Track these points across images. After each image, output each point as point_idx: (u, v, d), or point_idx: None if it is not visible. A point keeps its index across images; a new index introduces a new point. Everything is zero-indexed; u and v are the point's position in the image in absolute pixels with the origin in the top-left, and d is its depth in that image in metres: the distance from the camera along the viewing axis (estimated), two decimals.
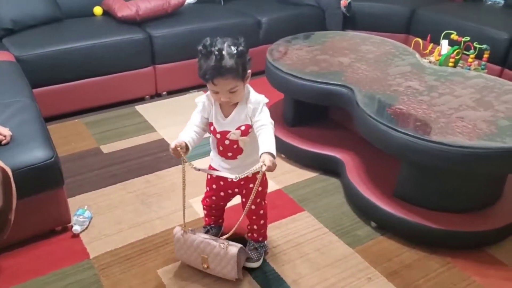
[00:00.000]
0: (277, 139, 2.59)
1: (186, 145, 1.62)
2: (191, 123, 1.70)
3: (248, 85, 1.66)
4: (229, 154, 1.71)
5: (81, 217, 2.09)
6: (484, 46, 2.86)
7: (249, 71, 1.59)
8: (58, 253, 1.97)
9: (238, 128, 1.65)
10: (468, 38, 2.86)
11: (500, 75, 3.16)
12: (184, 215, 1.78)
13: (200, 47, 1.52)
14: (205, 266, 1.79)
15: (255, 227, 1.89)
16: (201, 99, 1.71)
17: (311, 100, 2.36)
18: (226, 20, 3.44)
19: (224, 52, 1.49)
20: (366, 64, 2.44)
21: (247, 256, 1.86)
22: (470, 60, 2.85)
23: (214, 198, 1.88)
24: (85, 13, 3.40)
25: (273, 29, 3.57)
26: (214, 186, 1.84)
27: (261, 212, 1.86)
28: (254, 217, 1.86)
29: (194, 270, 1.87)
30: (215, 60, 1.49)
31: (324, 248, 2.01)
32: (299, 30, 3.12)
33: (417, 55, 2.56)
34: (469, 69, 2.83)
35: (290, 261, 1.94)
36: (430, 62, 2.84)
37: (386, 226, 2.07)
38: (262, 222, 1.88)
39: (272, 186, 2.39)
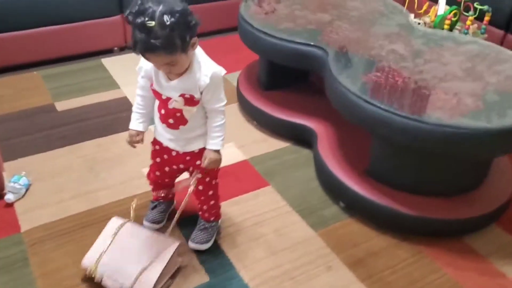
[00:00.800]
0: (249, 104, 2.36)
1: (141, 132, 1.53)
2: (138, 95, 1.53)
3: (200, 51, 1.41)
4: (170, 121, 1.48)
5: (16, 184, 1.88)
6: (485, 7, 2.54)
7: (194, 39, 1.32)
8: None
9: (182, 96, 1.41)
10: None
11: (502, 40, 2.85)
12: None
13: (127, 12, 1.24)
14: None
15: (204, 207, 1.68)
16: (140, 64, 1.46)
17: (282, 61, 2.09)
18: None
19: (153, 24, 1.21)
20: (348, 23, 2.15)
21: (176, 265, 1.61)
22: (468, 22, 2.54)
23: (158, 173, 1.67)
24: None
25: None
26: (158, 159, 1.62)
27: (210, 192, 1.64)
28: (202, 198, 1.66)
29: None
30: (143, 34, 1.22)
31: (284, 229, 1.80)
32: None
33: (409, 15, 2.27)
34: (467, 33, 2.52)
35: (244, 243, 1.74)
36: (424, 23, 2.54)
37: (355, 207, 1.86)
38: (212, 202, 1.67)
39: (238, 156, 2.17)
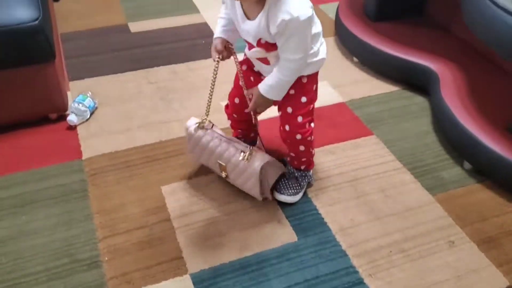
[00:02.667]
0: (351, 37, 1.95)
1: (226, 42, 1.22)
2: (220, 16, 1.25)
3: None
4: (255, 62, 1.24)
5: (81, 105, 1.63)
6: None
7: None
8: (46, 147, 1.55)
9: (259, 43, 1.13)
10: None
11: None
12: (209, 104, 1.31)
13: None
14: (224, 175, 1.33)
15: (292, 154, 1.35)
16: None
17: None
18: None
19: None
20: None
21: (281, 172, 1.34)
22: None
23: (237, 100, 1.35)
24: None
25: None
26: (241, 82, 1.28)
27: (298, 137, 1.28)
28: (288, 141, 1.31)
29: (207, 194, 1.39)
30: None
31: (392, 190, 1.43)
32: None
33: None
34: None
35: (342, 201, 1.39)
36: None
37: (488, 171, 1.45)
38: (302, 148, 1.32)
39: (333, 98, 1.80)
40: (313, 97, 1.29)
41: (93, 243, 1.26)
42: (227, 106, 1.42)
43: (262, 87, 1.19)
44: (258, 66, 1.27)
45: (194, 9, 2.35)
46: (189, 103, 1.75)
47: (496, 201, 1.41)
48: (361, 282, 1.19)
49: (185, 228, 1.30)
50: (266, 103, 1.22)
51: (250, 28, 1.12)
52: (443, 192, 1.43)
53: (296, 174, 1.38)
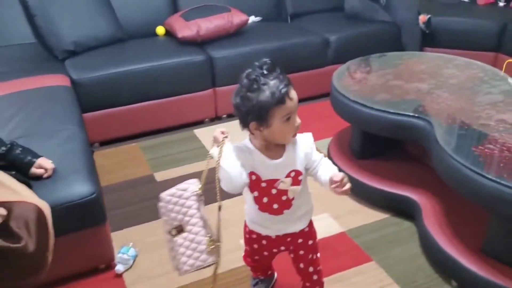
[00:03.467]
0: (342, 173, 2.33)
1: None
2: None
3: None
4: (275, 206, 1.42)
5: (125, 255, 1.94)
6: None
7: None
8: None
9: (288, 175, 1.37)
10: None
11: None
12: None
13: (245, 81, 1.27)
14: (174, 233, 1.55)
15: (307, 284, 1.62)
16: (232, 153, 1.33)
17: (381, 132, 2.07)
18: (291, 39, 3.23)
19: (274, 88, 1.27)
20: (448, 92, 2.11)
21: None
22: None
23: (257, 257, 1.63)
24: (148, 33, 3.33)
25: (343, 48, 3.31)
26: (255, 246, 1.56)
27: (318, 268, 1.60)
28: (315, 277, 1.60)
29: None
30: (276, 77, 1.28)
31: None
32: (371, 50, 2.84)
33: (511, 80, 2.19)
34: None
35: None
36: None
37: (470, 287, 1.73)
38: (322, 280, 1.62)
39: (334, 229, 2.12)
40: (315, 236, 1.56)
41: None
42: (245, 258, 1.68)
43: (337, 172, 1.38)
44: (269, 223, 1.45)
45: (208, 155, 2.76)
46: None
47: None
48: None
49: None
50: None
51: (280, 163, 1.35)
52: None
53: None
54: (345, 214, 2.21)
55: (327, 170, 1.39)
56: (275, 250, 1.56)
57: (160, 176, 2.59)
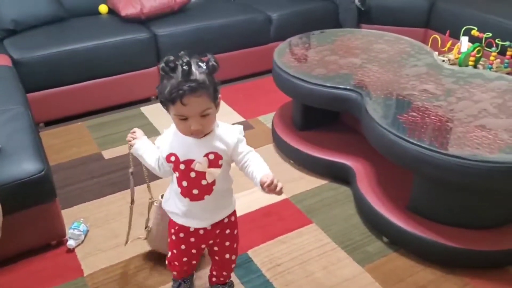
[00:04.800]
0: (285, 144, 2.48)
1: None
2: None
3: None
4: (195, 192, 1.41)
5: (76, 230, 2.00)
6: (507, 42, 2.66)
7: (219, 97, 1.33)
8: (52, 269, 1.88)
9: (206, 156, 1.36)
10: (490, 34, 2.67)
11: None
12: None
13: (162, 65, 1.26)
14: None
15: (224, 273, 1.68)
16: (160, 142, 1.43)
17: (318, 105, 2.21)
18: (235, 17, 3.30)
19: (193, 67, 1.25)
20: (378, 66, 2.28)
21: None
22: (492, 58, 2.66)
23: (185, 259, 1.59)
24: (90, 12, 3.30)
25: (284, 25, 3.42)
26: (183, 246, 1.54)
27: (234, 257, 1.63)
28: (226, 265, 1.64)
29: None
30: (184, 75, 1.23)
31: (332, 266, 1.87)
32: (311, 27, 2.99)
33: (435, 55, 2.39)
34: (491, 68, 2.63)
35: (295, 281, 1.81)
36: (449, 60, 2.66)
37: (399, 242, 1.93)
38: (233, 265, 1.67)
39: (279, 196, 2.25)
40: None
41: None
42: (170, 264, 1.64)
43: (266, 168, 1.39)
44: (194, 210, 1.45)
45: (156, 132, 2.80)
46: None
47: (408, 264, 1.88)
48: None
49: None
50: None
51: (200, 143, 1.34)
52: (370, 263, 1.89)
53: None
54: (288, 181, 2.36)
55: (259, 169, 1.38)
56: (203, 246, 1.56)
57: (108, 153, 2.63)
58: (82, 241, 2.01)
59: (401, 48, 2.47)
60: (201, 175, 1.38)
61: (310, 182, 2.36)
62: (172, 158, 1.38)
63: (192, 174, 1.38)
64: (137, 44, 2.99)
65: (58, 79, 2.83)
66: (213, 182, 1.40)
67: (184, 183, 1.40)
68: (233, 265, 1.67)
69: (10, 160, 1.79)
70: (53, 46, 2.79)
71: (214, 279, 1.72)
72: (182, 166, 1.38)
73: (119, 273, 1.86)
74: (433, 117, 1.83)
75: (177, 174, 1.41)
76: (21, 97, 2.23)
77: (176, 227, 1.52)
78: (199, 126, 1.30)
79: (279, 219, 2.13)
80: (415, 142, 1.68)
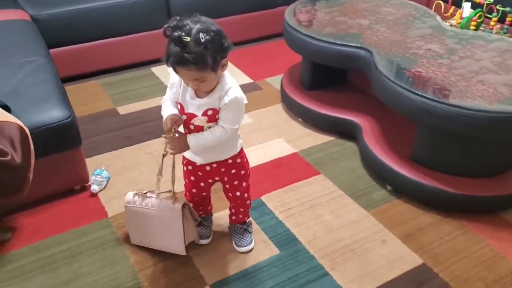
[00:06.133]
0: (294, 103, 2.59)
1: (176, 117, 1.50)
2: (166, 100, 1.56)
3: (229, 75, 1.48)
4: (195, 125, 1.53)
5: (99, 176, 2.12)
6: (507, 8, 2.77)
7: (224, 60, 1.38)
8: (77, 211, 2.01)
9: (205, 113, 1.47)
10: (491, 1, 2.77)
11: None
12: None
13: (166, 27, 1.32)
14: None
15: (241, 209, 1.81)
16: (172, 81, 1.52)
17: (328, 62, 2.32)
18: None
19: (188, 39, 1.28)
20: (385, 27, 2.38)
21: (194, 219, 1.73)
22: (492, 23, 2.77)
23: (194, 190, 1.75)
24: None
25: None
26: (192, 178, 1.70)
27: (246, 195, 1.77)
28: (239, 201, 1.78)
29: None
30: (178, 47, 1.29)
31: (339, 211, 2.02)
32: None
33: (438, 18, 2.49)
34: (491, 33, 2.75)
35: (305, 222, 1.96)
36: (451, 25, 2.76)
37: (402, 189, 2.07)
38: (248, 202, 1.80)
39: (288, 150, 2.39)
40: (247, 167, 1.70)
41: (133, 275, 1.73)
42: (185, 195, 1.79)
43: (190, 137, 1.47)
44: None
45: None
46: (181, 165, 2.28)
47: (410, 209, 2.03)
48: (327, 274, 1.73)
49: (200, 254, 1.80)
50: (182, 147, 1.49)
51: (200, 103, 1.45)
52: (374, 208, 2.03)
53: (244, 227, 1.84)
54: (297, 138, 2.49)
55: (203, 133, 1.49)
56: (210, 181, 1.70)
57: (123, 109, 2.74)
58: (105, 187, 2.13)
59: (407, 11, 2.57)
60: (199, 128, 1.51)
61: (317, 138, 2.49)
62: (178, 107, 1.53)
63: (191, 127, 1.52)
64: (149, 4, 3.06)
65: (72, 37, 2.91)
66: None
67: (186, 131, 1.55)
68: (248, 203, 1.80)
69: (39, 107, 1.89)
70: (67, 4, 2.86)
71: (233, 217, 1.86)
72: (184, 117, 1.51)
73: None
74: (437, 73, 1.95)
75: (184, 117, 1.52)
76: (43, 49, 2.32)
77: (185, 160, 1.68)
78: (195, 87, 1.41)
79: (289, 170, 2.26)
80: (419, 93, 1.81)
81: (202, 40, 1.29)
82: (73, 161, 2.02)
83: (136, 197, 1.74)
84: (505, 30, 2.82)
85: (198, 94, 1.47)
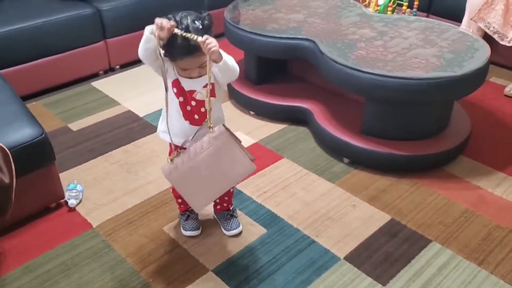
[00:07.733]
0: (246, 98, 2.75)
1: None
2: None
3: None
4: (196, 117, 1.63)
5: (74, 191, 2.12)
6: None
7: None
8: (60, 227, 2.01)
9: (205, 86, 1.55)
10: None
11: None
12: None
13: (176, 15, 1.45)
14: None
15: (225, 198, 1.93)
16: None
17: (276, 56, 2.52)
18: None
19: (190, 29, 1.43)
20: (319, 18, 2.63)
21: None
22: (404, 8, 3.14)
23: None
24: None
25: None
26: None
27: (231, 189, 1.91)
28: (232, 191, 1.94)
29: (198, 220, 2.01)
30: (183, 39, 1.42)
31: (309, 186, 2.22)
32: None
33: (362, 6, 2.79)
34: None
35: (282, 201, 2.13)
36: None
37: (358, 160, 2.32)
38: (231, 190, 1.93)
39: (249, 141, 2.55)
40: None
41: (136, 274, 1.79)
42: (173, 189, 1.87)
43: (224, 55, 1.48)
44: (190, 132, 1.61)
45: (115, 102, 2.93)
46: (150, 169, 2.35)
47: (369, 176, 2.28)
48: (313, 241, 1.92)
49: (194, 245, 1.90)
50: (220, 55, 1.46)
51: (198, 79, 1.54)
52: (338, 179, 2.26)
53: (230, 213, 1.97)
54: (254, 129, 2.65)
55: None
56: None
57: (75, 126, 2.72)
58: (81, 200, 2.14)
59: (333, 3, 2.84)
60: (201, 103, 1.60)
61: (272, 127, 2.67)
62: (174, 90, 1.58)
63: (193, 103, 1.60)
64: (82, 20, 3.05)
65: (5, 59, 2.82)
66: (211, 109, 1.55)
67: (188, 108, 1.62)
68: (231, 191, 1.92)
69: (10, 127, 1.87)
70: None
71: (218, 206, 1.97)
72: (181, 99, 1.59)
73: (126, 219, 2.04)
74: (376, 53, 2.23)
75: (181, 99, 1.60)
76: None
77: (173, 148, 1.63)
78: (197, 74, 1.54)
79: (255, 158, 2.41)
80: (368, 71, 2.06)
81: (200, 28, 1.44)
82: (48, 178, 2.01)
83: (176, 160, 1.58)
84: (414, 13, 3.21)
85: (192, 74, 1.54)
